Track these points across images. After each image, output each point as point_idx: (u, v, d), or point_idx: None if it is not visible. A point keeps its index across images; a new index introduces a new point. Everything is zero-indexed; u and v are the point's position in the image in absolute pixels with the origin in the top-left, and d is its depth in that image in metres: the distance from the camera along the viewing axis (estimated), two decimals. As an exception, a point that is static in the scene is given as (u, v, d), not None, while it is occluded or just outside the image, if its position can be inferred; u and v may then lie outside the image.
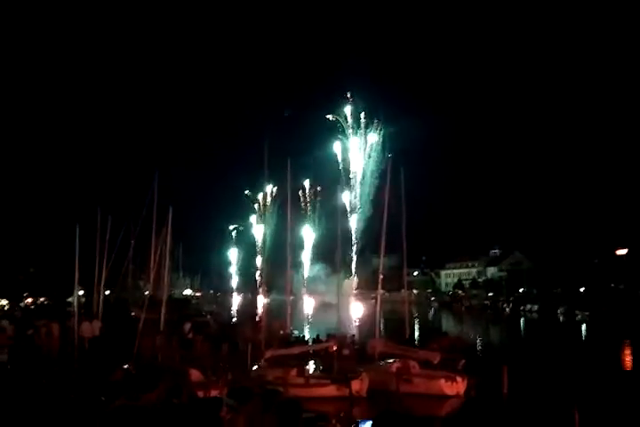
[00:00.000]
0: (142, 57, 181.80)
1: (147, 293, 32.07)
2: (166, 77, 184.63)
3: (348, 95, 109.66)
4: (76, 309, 30.79)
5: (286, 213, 30.24)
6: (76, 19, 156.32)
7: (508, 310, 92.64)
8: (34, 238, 70.19)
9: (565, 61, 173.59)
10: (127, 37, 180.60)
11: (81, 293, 39.43)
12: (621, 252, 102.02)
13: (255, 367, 22.06)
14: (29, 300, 75.52)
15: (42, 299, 75.72)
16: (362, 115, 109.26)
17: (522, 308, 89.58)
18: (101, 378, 14.29)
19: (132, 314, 36.32)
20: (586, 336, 52.91)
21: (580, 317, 70.91)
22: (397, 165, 29.05)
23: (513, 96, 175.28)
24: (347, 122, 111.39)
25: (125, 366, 17.84)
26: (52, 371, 16.37)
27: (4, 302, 64.01)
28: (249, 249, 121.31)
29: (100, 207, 35.84)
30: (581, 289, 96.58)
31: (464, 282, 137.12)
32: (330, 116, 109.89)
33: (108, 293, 42.43)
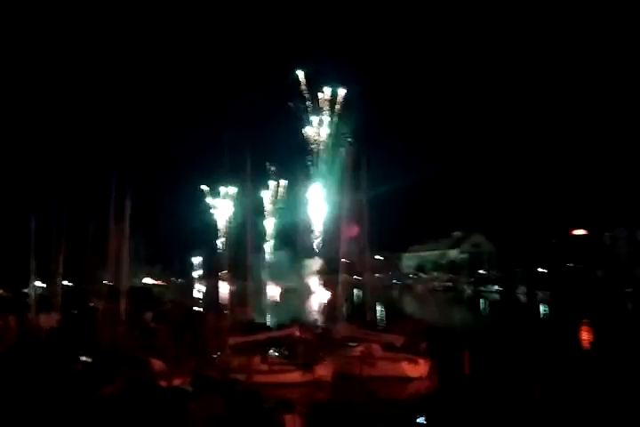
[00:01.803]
0: (103, 46, 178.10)
1: (106, 282, 31.59)
2: (128, 64, 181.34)
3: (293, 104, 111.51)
4: (33, 300, 30.19)
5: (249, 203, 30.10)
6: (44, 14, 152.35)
7: (469, 291, 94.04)
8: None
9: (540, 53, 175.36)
10: (90, 28, 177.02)
11: (39, 284, 38.71)
12: (579, 232, 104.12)
13: (219, 355, 21.90)
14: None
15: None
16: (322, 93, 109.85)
17: (483, 289, 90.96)
18: (59, 371, 13.98)
19: (92, 305, 35.74)
20: (546, 316, 53.88)
21: (540, 296, 72.21)
22: (358, 149, 29.01)
23: (475, 76, 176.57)
24: (305, 107, 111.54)
25: (84, 358, 17.52)
26: (7, 364, 15.99)
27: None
28: (211, 236, 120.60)
29: (56, 196, 35.10)
30: (541, 269, 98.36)
31: (426, 264, 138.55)
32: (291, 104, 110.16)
33: (66, 283, 41.73)
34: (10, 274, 57.33)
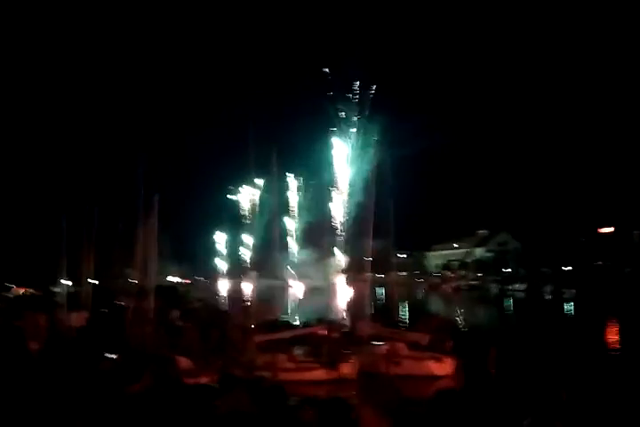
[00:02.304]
0: (124, 50, 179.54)
1: (134, 281, 31.99)
2: (152, 67, 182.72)
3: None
4: (63, 299, 30.67)
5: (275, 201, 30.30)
6: (52, 12, 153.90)
7: (495, 289, 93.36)
8: (20, 229, 69.76)
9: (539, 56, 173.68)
10: (110, 31, 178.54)
11: (68, 283, 39.29)
12: (607, 230, 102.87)
13: (245, 353, 22.08)
14: (20, 291, 75.15)
15: (30, 290, 75.36)
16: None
17: (509, 287, 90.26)
18: (89, 369, 14.24)
19: (120, 303, 36.20)
20: (572, 315, 53.40)
21: (566, 295, 71.49)
22: (384, 150, 29.05)
23: (495, 81, 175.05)
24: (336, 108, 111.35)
25: (112, 356, 17.79)
26: (39, 363, 16.30)
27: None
28: (237, 235, 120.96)
29: (86, 197, 35.65)
30: (568, 268, 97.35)
31: (452, 263, 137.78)
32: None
33: (95, 282, 42.30)
34: (40, 273, 58.21)
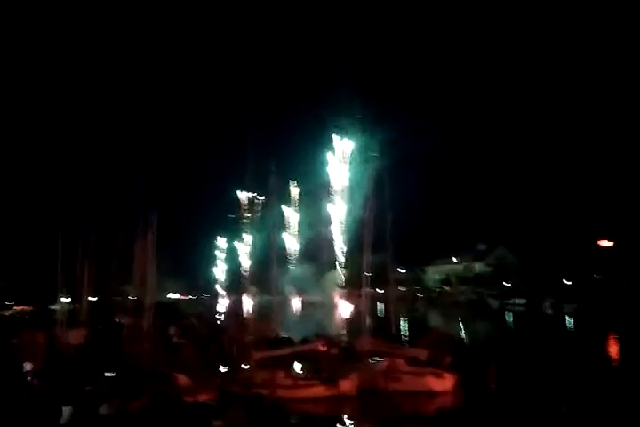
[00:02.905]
0: (123, 62, 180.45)
1: (132, 298, 31.92)
2: (151, 81, 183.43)
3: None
4: (61, 316, 30.58)
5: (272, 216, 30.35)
6: (49, 18, 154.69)
7: (495, 304, 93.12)
8: (17, 246, 69.57)
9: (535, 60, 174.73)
10: (109, 44, 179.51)
11: (66, 300, 39.15)
12: (605, 243, 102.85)
13: (243, 370, 21.99)
14: (17, 308, 74.93)
15: (27, 307, 75.12)
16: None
17: (508, 302, 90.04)
18: (86, 386, 14.17)
19: (118, 320, 36.08)
20: (573, 329, 53.25)
21: (566, 309, 71.30)
22: (382, 165, 29.09)
23: (489, 90, 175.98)
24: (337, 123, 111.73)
25: (110, 374, 17.70)
26: (35, 381, 16.22)
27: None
28: (236, 252, 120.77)
29: (83, 214, 35.58)
30: (567, 282, 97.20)
31: (451, 278, 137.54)
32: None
33: (93, 299, 42.17)
34: (38, 291, 58.02)
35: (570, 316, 63.76)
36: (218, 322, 50.82)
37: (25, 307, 76.90)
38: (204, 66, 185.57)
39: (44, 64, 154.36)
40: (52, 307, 47.52)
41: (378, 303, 37.97)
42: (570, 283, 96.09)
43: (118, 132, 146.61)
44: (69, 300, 42.33)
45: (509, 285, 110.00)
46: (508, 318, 69.81)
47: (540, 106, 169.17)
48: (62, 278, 31.72)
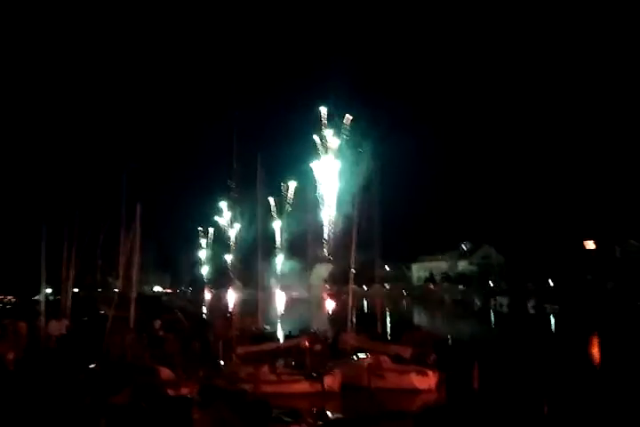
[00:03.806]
0: (112, 59, 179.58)
1: (116, 290, 31.68)
2: (137, 75, 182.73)
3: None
4: (43, 307, 30.29)
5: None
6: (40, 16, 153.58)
7: (479, 303, 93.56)
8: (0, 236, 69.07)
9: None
10: (100, 42, 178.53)
11: (49, 291, 38.85)
12: (589, 244, 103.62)
13: (227, 364, 21.92)
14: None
15: (9, 297, 74.62)
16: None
17: (492, 301, 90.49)
18: (68, 378, 14.04)
19: (101, 312, 35.85)
20: (555, 329, 53.56)
21: (549, 310, 71.70)
22: (371, 163, 29.06)
23: (479, 90, 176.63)
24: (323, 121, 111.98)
25: (92, 366, 17.58)
26: (18, 370, 16.10)
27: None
28: (220, 245, 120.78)
29: (67, 204, 35.33)
30: (550, 282, 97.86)
31: (435, 275, 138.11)
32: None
33: (76, 291, 41.86)
34: (20, 281, 57.57)
35: (552, 316, 64.11)
36: (202, 316, 50.71)
37: (7, 297, 76.38)
38: (191, 61, 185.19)
39: (32, 57, 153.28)
40: (35, 298, 47.17)
41: (362, 300, 37.98)
42: (554, 284, 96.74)
43: (104, 125, 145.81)
44: (52, 291, 42.03)
45: (493, 284, 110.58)
46: (492, 316, 70.12)
47: (529, 107, 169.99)
48: (45, 269, 31.36)
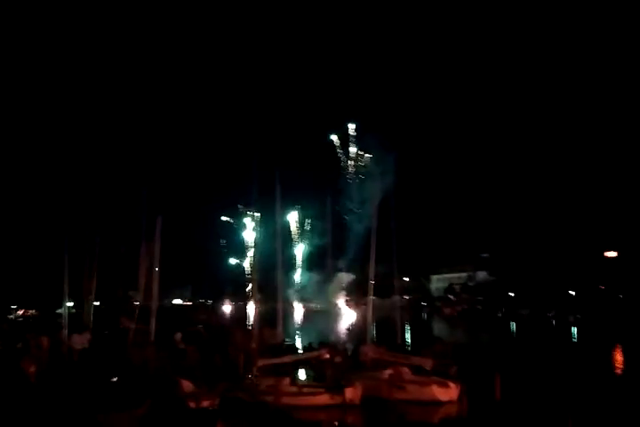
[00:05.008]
0: (129, 72, 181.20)
1: (137, 303, 31.90)
2: (158, 92, 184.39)
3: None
4: (65, 321, 30.57)
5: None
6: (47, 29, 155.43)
7: (499, 313, 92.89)
8: (22, 250, 69.82)
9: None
10: (115, 55, 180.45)
11: (71, 304, 39.18)
12: (610, 254, 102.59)
13: (248, 377, 21.95)
14: (20, 312, 75.10)
15: (32, 311, 75.34)
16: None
17: (513, 312, 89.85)
18: (91, 390, 14.16)
19: (123, 325, 36.07)
20: (577, 340, 53.03)
21: (570, 320, 71.06)
22: (388, 176, 29.26)
23: (493, 100, 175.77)
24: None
25: (114, 379, 17.69)
26: (41, 383, 16.25)
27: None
28: (241, 257, 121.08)
29: (89, 219, 35.71)
30: (571, 292, 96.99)
31: (455, 287, 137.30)
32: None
33: (97, 304, 42.18)
34: (41, 295, 58.11)
35: (574, 326, 63.49)
36: (222, 328, 50.80)
37: (29, 311, 77.12)
38: (217, 79, 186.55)
39: (51, 69, 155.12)
40: (57, 311, 47.58)
41: (381, 312, 37.80)
42: (574, 293, 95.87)
43: (126, 139, 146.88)
44: (74, 304, 42.38)
45: (513, 294, 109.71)
46: (513, 327, 69.58)
47: (546, 116, 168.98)
48: (67, 283, 31.68)
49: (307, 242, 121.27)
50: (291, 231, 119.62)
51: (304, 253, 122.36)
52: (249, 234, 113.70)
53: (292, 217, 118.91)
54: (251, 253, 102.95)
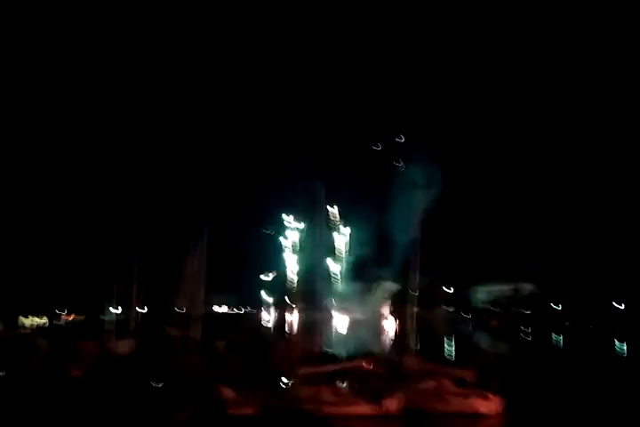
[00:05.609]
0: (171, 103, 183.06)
1: (182, 310, 32.34)
2: (199, 107, 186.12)
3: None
4: (111, 326, 31.18)
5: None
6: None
7: (543, 326, 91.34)
8: (71, 257, 71.11)
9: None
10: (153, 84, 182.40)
11: (117, 311, 39.89)
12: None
13: (288, 385, 22.02)
14: (69, 318, 76.45)
15: (79, 317, 76.58)
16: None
17: (558, 324, 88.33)
18: (135, 396, 14.46)
19: (166, 332, 36.58)
20: (625, 354, 51.83)
21: (616, 333, 69.40)
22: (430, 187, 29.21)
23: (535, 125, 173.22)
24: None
25: (158, 385, 17.98)
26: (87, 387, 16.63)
27: (45, 319, 65.10)
28: (283, 266, 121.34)
29: (137, 227, 36.36)
30: (618, 305, 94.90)
31: (499, 299, 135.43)
32: None
33: (143, 311, 42.81)
34: (88, 300, 59.22)
35: (620, 341, 62.02)
36: (264, 336, 51.04)
37: (75, 316, 78.43)
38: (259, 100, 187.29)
39: (99, 95, 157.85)
40: (102, 317, 48.48)
41: (425, 322, 37.51)
42: (621, 307, 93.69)
43: (174, 153, 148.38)
44: (119, 310, 43.10)
45: (559, 307, 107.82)
46: (557, 340, 68.34)
47: (579, 124, 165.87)
48: (113, 289, 32.33)
49: (353, 251, 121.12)
50: (334, 248, 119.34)
51: (349, 262, 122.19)
52: (292, 244, 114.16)
53: (343, 231, 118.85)
54: (294, 263, 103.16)
